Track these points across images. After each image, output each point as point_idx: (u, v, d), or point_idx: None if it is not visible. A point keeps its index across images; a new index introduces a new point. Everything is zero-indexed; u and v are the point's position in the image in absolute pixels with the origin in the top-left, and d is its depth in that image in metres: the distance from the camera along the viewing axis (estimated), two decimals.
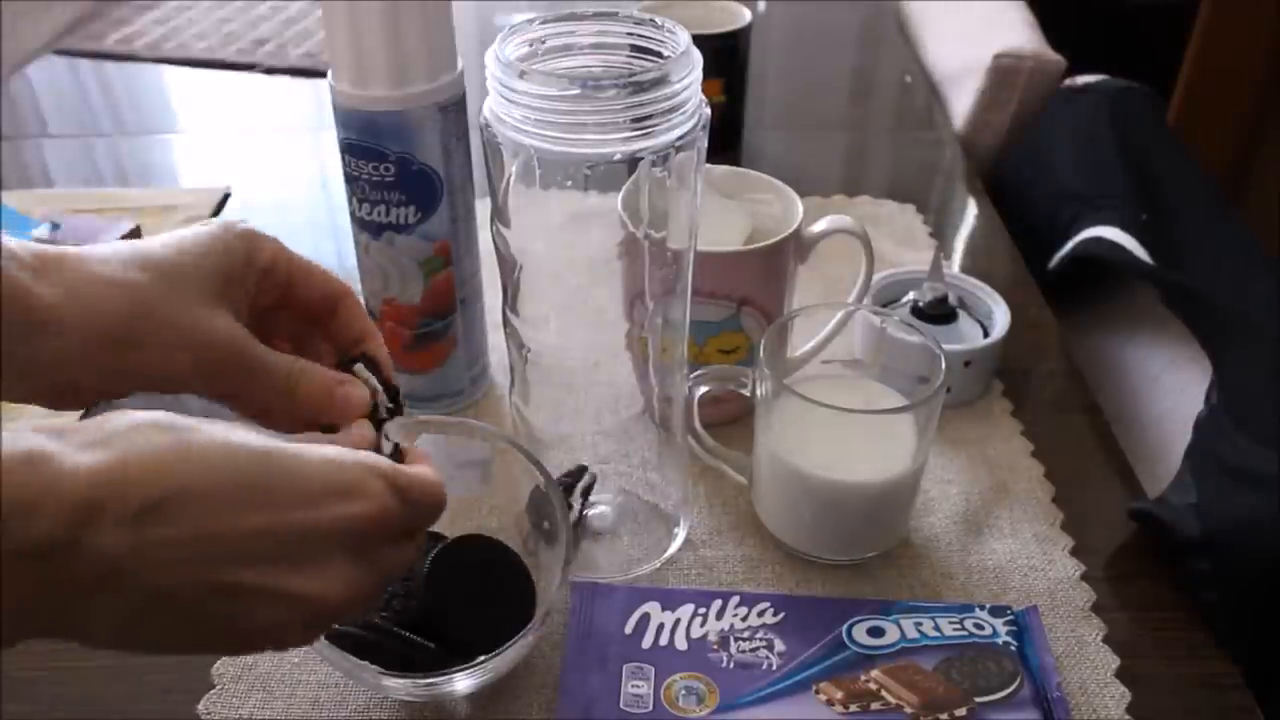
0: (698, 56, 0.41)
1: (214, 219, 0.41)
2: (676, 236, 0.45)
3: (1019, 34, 0.96)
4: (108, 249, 0.37)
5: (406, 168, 0.54)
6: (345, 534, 0.33)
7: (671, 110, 0.40)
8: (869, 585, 0.53)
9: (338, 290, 0.42)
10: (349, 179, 0.56)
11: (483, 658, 0.43)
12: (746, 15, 0.88)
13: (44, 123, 1.04)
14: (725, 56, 0.87)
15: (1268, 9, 1.45)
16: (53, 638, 0.29)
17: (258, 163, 0.95)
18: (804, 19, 1.25)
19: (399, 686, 0.45)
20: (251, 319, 0.40)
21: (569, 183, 0.41)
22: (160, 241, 0.38)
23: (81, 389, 0.37)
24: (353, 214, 0.57)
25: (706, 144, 0.43)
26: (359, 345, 0.42)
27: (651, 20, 0.43)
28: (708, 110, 0.42)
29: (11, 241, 0.36)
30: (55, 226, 0.81)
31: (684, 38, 0.41)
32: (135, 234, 0.81)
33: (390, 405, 0.41)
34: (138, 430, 0.30)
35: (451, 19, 0.54)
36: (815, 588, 0.53)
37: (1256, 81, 1.52)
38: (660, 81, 0.39)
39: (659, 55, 0.42)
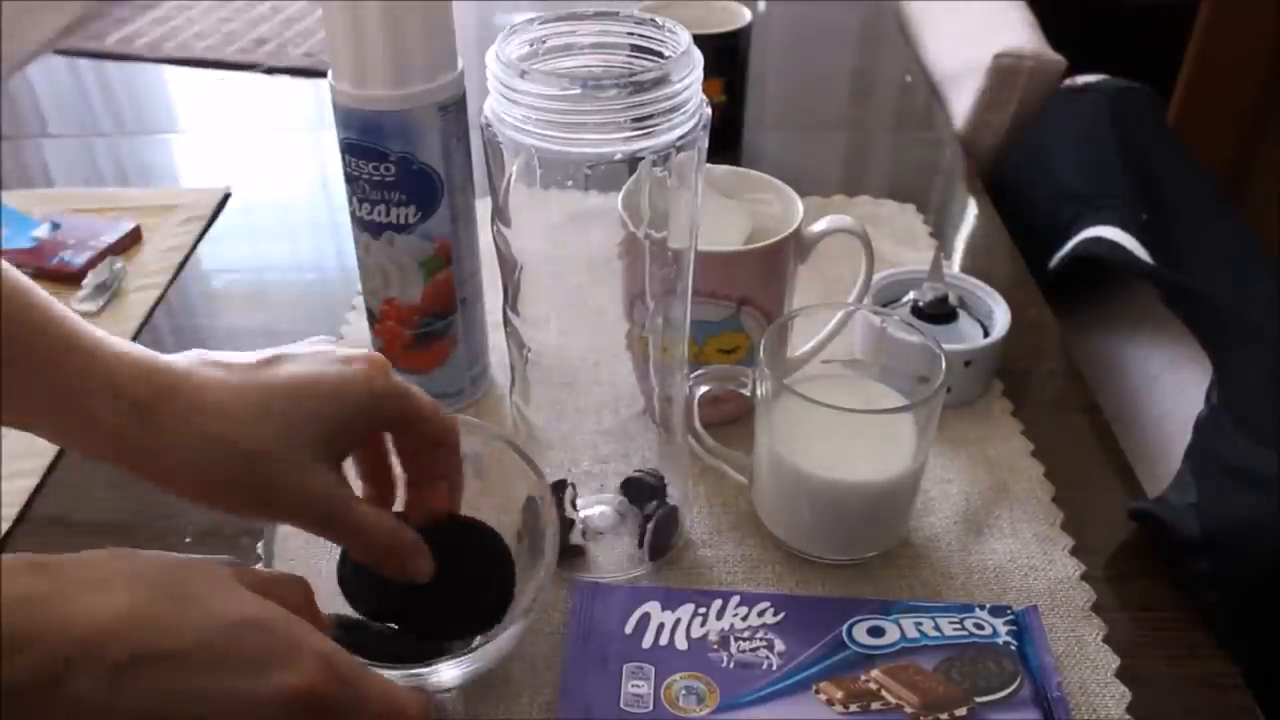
0: (698, 56, 0.41)
1: (356, 354, 0.41)
2: (677, 236, 0.45)
3: (1019, 34, 0.96)
4: (226, 383, 0.38)
5: (406, 168, 0.54)
6: (275, 712, 0.33)
7: (672, 110, 0.40)
8: (869, 585, 0.53)
9: (452, 427, 0.44)
10: (349, 179, 0.56)
11: (463, 649, 0.43)
12: (746, 15, 0.88)
13: (44, 123, 1.04)
14: (725, 56, 0.87)
15: (1268, 9, 1.46)
16: None
17: (258, 163, 0.95)
18: (804, 19, 1.25)
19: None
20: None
21: (569, 182, 0.41)
22: (291, 378, 0.40)
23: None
24: (353, 214, 0.57)
25: (707, 144, 0.43)
26: (432, 481, 0.45)
27: (652, 20, 0.43)
28: (708, 110, 0.42)
29: (122, 370, 0.37)
30: (55, 226, 0.81)
31: (685, 37, 0.41)
32: (135, 234, 0.82)
33: None
34: (136, 581, 0.32)
35: (451, 19, 0.54)
36: (815, 588, 0.53)
37: (1256, 81, 1.52)
38: (661, 81, 0.39)
39: (660, 55, 0.42)
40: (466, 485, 0.47)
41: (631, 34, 0.43)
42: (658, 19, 0.43)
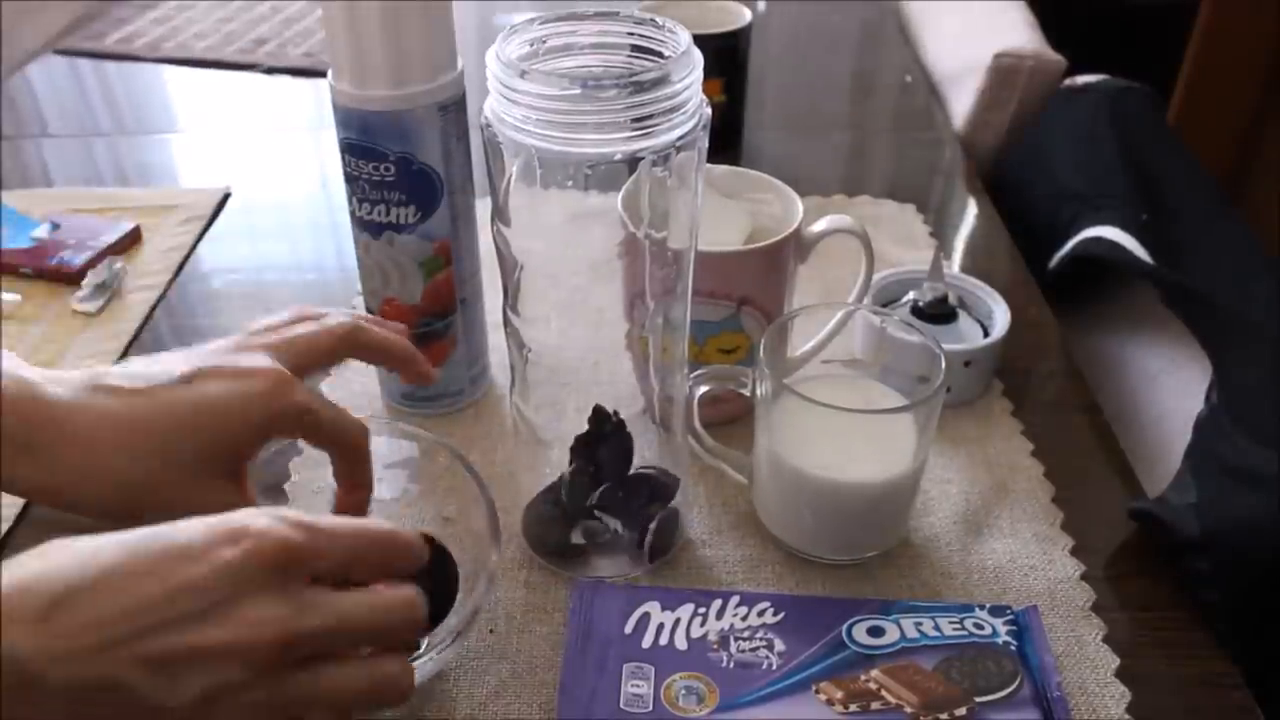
0: (698, 56, 0.41)
1: (258, 368, 0.41)
2: (677, 236, 0.45)
3: (1019, 34, 0.96)
4: (106, 413, 0.38)
5: (406, 168, 0.54)
6: (241, 574, 0.32)
7: (672, 110, 0.40)
8: (869, 585, 0.53)
9: (356, 440, 0.44)
10: (349, 179, 0.56)
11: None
12: (746, 15, 0.88)
13: (44, 123, 1.04)
14: (725, 56, 0.87)
15: (1268, 9, 1.46)
16: None
17: (258, 163, 0.95)
18: (804, 19, 1.25)
19: None
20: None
21: (569, 183, 0.41)
22: (183, 403, 0.39)
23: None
24: (353, 214, 0.57)
25: (708, 144, 0.43)
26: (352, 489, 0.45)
27: (652, 20, 0.43)
28: (708, 110, 0.42)
29: (2, 400, 0.37)
30: (55, 226, 0.81)
31: (685, 37, 0.41)
32: (135, 234, 0.82)
33: None
34: (35, 551, 0.31)
35: (451, 19, 0.54)
36: (815, 588, 0.53)
37: (1256, 81, 1.52)
38: (661, 81, 0.39)
39: (660, 55, 0.42)
40: (405, 489, 0.48)
41: (631, 34, 0.43)
42: (658, 19, 0.43)
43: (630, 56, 0.43)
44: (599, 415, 0.49)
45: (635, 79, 0.39)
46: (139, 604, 0.31)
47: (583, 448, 0.50)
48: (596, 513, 0.52)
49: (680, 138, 0.41)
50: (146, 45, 1.16)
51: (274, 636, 0.32)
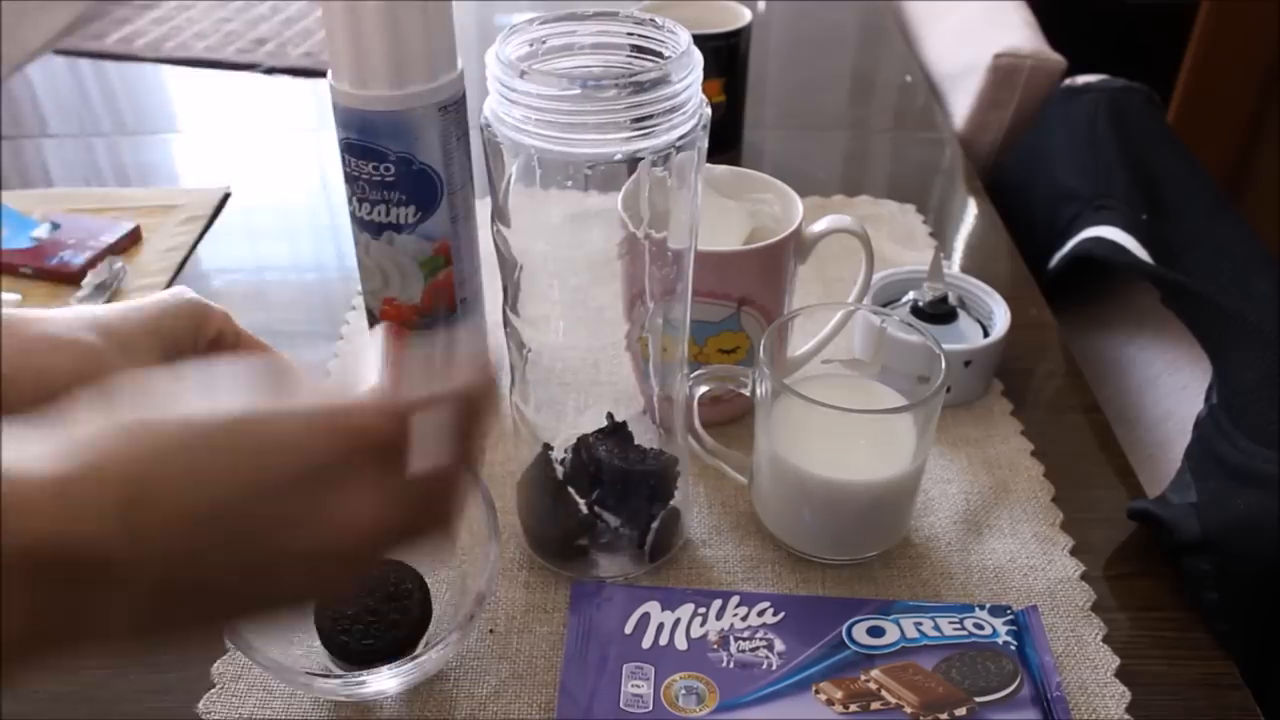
0: (698, 56, 0.41)
1: (166, 290, 0.41)
2: (677, 236, 0.45)
3: (1019, 34, 0.96)
4: (58, 313, 0.38)
5: (406, 168, 0.54)
6: (339, 472, 0.31)
7: (672, 110, 0.40)
8: (869, 585, 0.53)
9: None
10: (349, 179, 0.56)
11: (398, 662, 0.44)
12: (746, 15, 0.88)
13: (44, 123, 1.04)
14: (725, 56, 0.87)
15: (1268, 9, 1.46)
16: (65, 652, 0.28)
17: (258, 163, 0.95)
18: (804, 19, 1.25)
19: (329, 688, 0.46)
20: None
21: (569, 183, 0.41)
22: (109, 308, 0.39)
23: None
24: (353, 214, 0.57)
25: (707, 144, 0.43)
26: None
27: (652, 20, 0.43)
28: (708, 110, 0.42)
29: None
30: (55, 226, 0.81)
31: (684, 37, 0.41)
32: (135, 234, 0.82)
33: None
34: (103, 435, 0.28)
35: (451, 19, 0.54)
36: (815, 588, 0.53)
37: (1256, 81, 1.52)
38: (661, 81, 0.39)
39: (659, 55, 0.42)
40: None
41: (631, 34, 0.43)
42: (658, 19, 0.43)
43: (630, 57, 0.43)
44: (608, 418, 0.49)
45: (635, 79, 0.39)
46: (231, 499, 0.29)
47: (584, 447, 0.50)
48: (597, 511, 0.52)
49: (680, 138, 0.41)
50: (146, 45, 1.16)
51: (372, 536, 0.32)
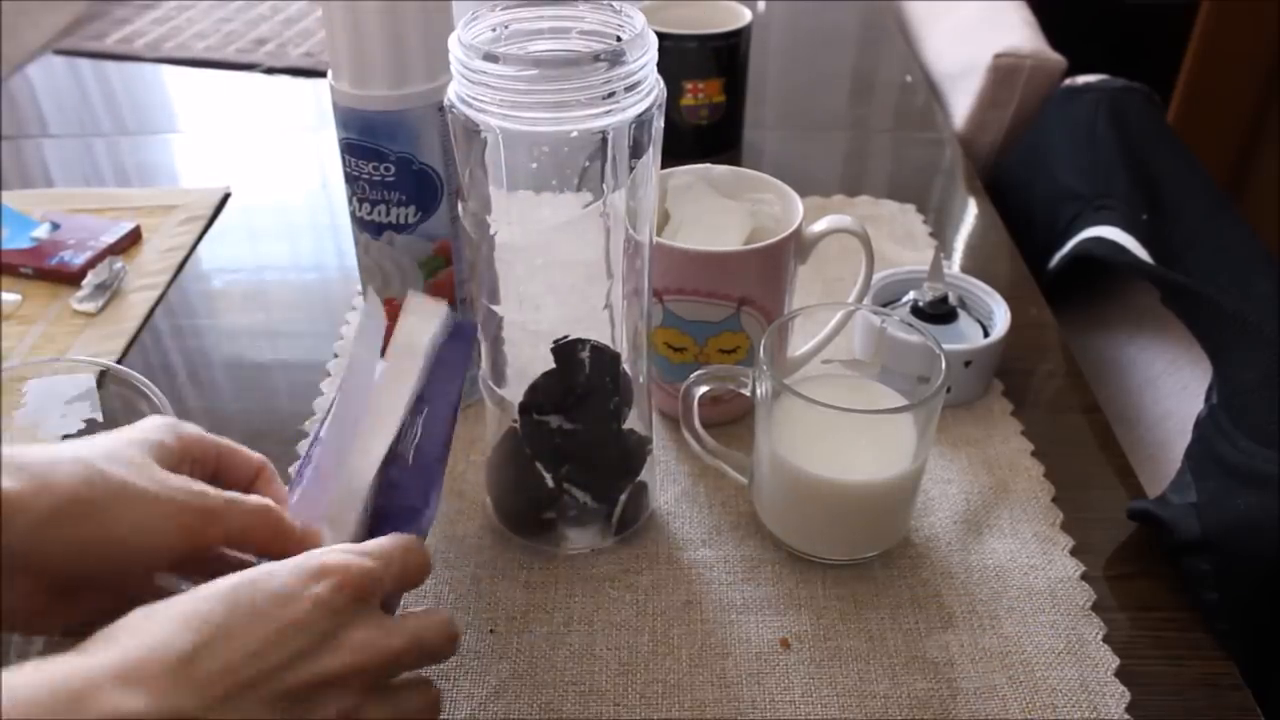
0: (653, 37, 0.43)
1: (143, 425, 0.41)
2: (638, 217, 0.46)
3: (1019, 34, 0.96)
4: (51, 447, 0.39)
5: (406, 168, 0.54)
6: (334, 606, 0.35)
7: (629, 89, 0.41)
8: (869, 585, 0.53)
9: (256, 465, 0.45)
10: (349, 179, 0.56)
11: None
12: (746, 15, 0.88)
13: (44, 123, 1.04)
14: (725, 56, 0.87)
15: (1268, 9, 1.46)
16: None
17: (258, 163, 0.95)
18: (804, 19, 1.25)
19: None
20: None
21: (534, 163, 0.42)
22: (96, 438, 0.39)
23: (52, 572, 0.36)
24: (353, 214, 0.57)
25: (663, 121, 0.44)
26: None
27: (610, 6, 0.44)
28: (663, 88, 0.44)
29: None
30: (55, 226, 0.81)
31: (640, 20, 0.43)
32: (135, 234, 0.82)
33: None
34: (122, 626, 0.32)
35: (451, 19, 0.54)
36: (815, 588, 0.53)
37: (1256, 81, 1.52)
38: (618, 60, 0.41)
39: (616, 38, 0.44)
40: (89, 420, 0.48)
41: (588, 18, 0.45)
42: (614, 4, 0.44)
43: (588, 39, 0.44)
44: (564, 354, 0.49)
45: (596, 59, 0.40)
46: (261, 646, 0.33)
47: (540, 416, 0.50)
48: (566, 486, 0.52)
49: (639, 115, 0.42)
50: (146, 45, 1.16)
51: (378, 657, 0.36)
